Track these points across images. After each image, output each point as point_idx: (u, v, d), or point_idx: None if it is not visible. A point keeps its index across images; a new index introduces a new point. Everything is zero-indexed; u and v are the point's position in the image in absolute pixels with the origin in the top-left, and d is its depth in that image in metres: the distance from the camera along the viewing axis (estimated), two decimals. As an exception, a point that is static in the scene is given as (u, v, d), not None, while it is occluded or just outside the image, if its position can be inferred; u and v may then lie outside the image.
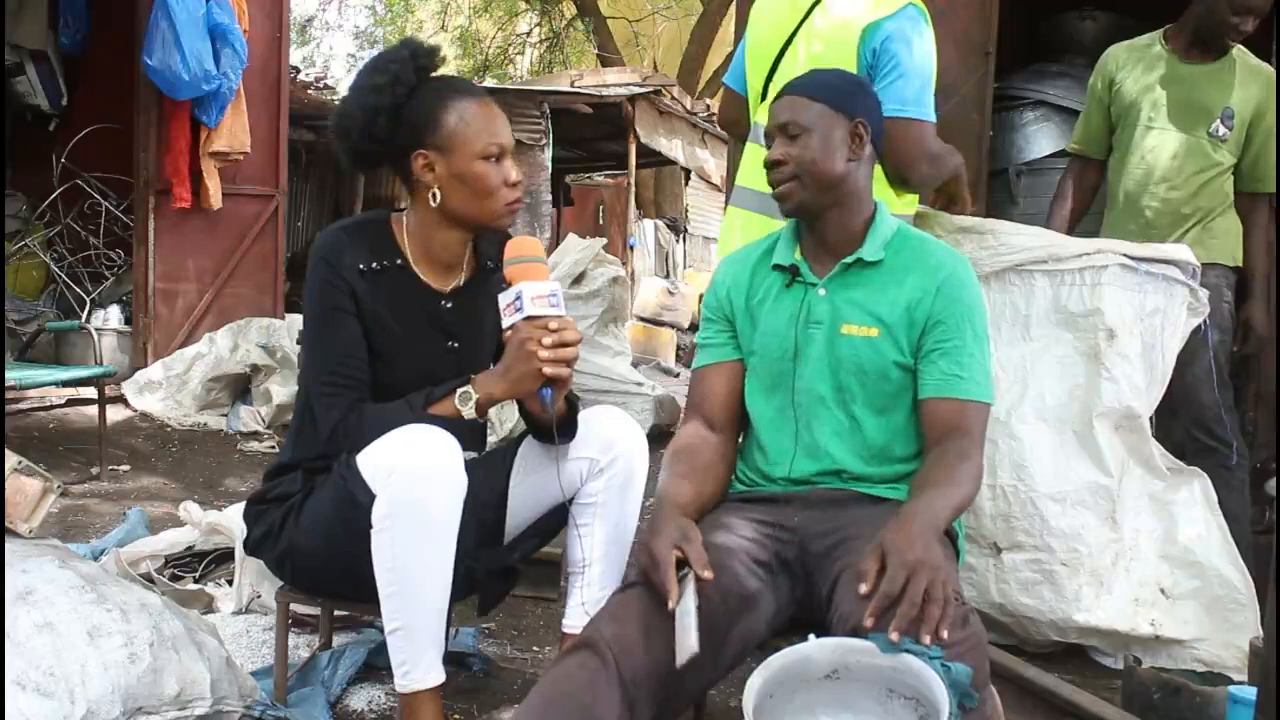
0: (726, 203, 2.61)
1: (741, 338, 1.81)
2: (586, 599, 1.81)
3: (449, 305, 1.84)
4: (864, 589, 1.36)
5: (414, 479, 1.60)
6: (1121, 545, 2.30)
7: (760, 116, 2.42)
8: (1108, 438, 2.33)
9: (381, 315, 1.76)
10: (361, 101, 1.74)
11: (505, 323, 1.69)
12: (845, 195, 1.73)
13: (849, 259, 1.73)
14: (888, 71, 2.20)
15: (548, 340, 1.65)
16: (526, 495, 1.88)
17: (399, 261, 1.79)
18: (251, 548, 1.89)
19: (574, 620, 1.84)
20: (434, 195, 1.76)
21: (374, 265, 1.76)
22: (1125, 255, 2.34)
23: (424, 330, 1.81)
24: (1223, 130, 2.76)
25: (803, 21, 2.35)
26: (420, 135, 1.74)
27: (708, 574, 1.45)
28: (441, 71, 1.82)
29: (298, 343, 4.78)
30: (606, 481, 1.82)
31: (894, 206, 2.30)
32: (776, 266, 1.78)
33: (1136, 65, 2.89)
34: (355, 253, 1.75)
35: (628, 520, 1.85)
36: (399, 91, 1.73)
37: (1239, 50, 2.79)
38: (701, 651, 1.47)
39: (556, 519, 1.89)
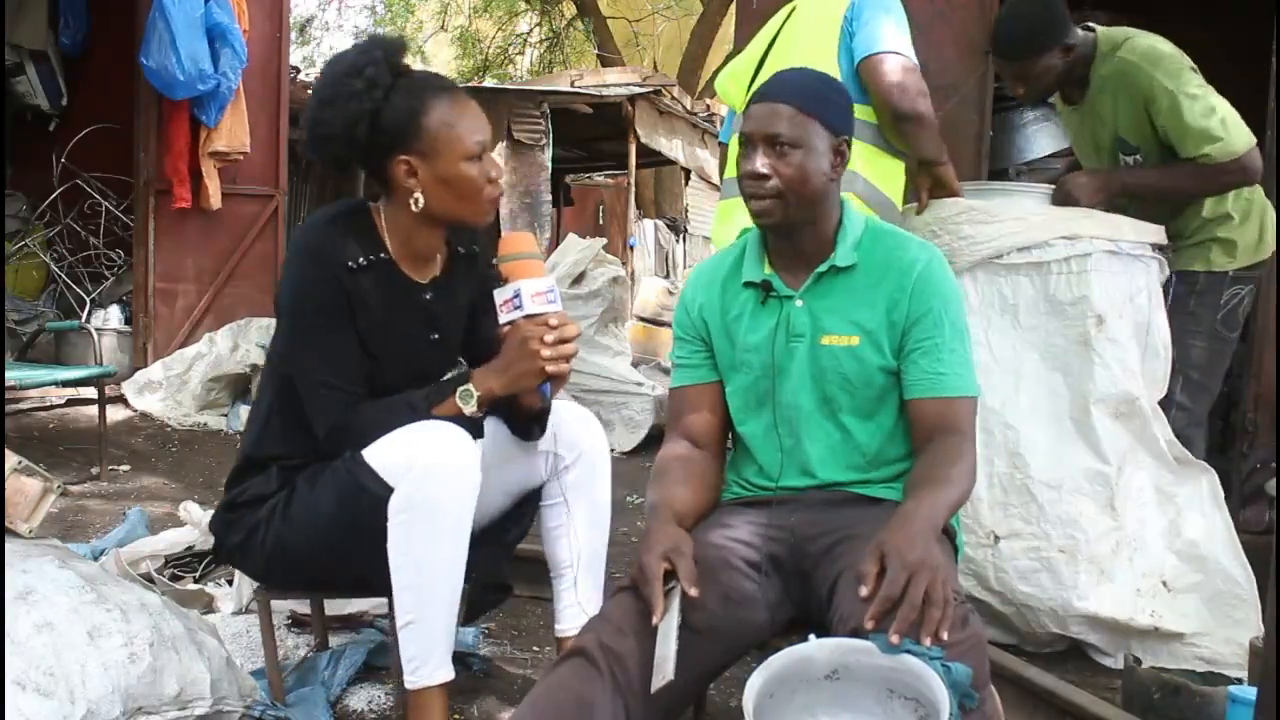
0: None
1: (719, 356, 1.76)
2: (575, 600, 1.87)
3: (429, 296, 1.83)
4: (864, 592, 1.35)
5: (434, 475, 1.61)
6: (1123, 534, 2.30)
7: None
8: (1107, 425, 2.33)
9: (371, 309, 1.75)
10: (340, 109, 1.69)
11: (503, 319, 1.70)
12: (822, 210, 1.68)
13: (822, 267, 1.68)
14: (866, 20, 2.33)
15: (550, 338, 1.66)
16: (494, 488, 1.88)
17: (383, 255, 1.78)
18: (227, 555, 1.88)
19: (565, 624, 1.89)
20: (416, 200, 1.73)
21: (362, 260, 1.74)
22: (1107, 239, 2.35)
23: (409, 322, 1.81)
24: (1132, 161, 2.66)
25: (784, 23, 2.47)
26: (401, 140, 1.70)
27: (694, 591, 1.44)
28: (420, 66, 1.81)
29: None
30: (574, 478, 1.86)
31: (883, 185, 2.35)
32: (748, 283, 1.73)
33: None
34: (344, 248, 1.73)
35: (601, 513, 1.90)
36: (376, 95, 1.69)
37: (1107, 71, 2.61)
38: (698, 651, 1.47)
39: (526, 514, 1.93)
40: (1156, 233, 2.44)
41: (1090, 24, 2.71)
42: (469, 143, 1.71)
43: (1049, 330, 2.38)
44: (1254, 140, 2.48)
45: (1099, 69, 2.63)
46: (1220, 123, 2.46)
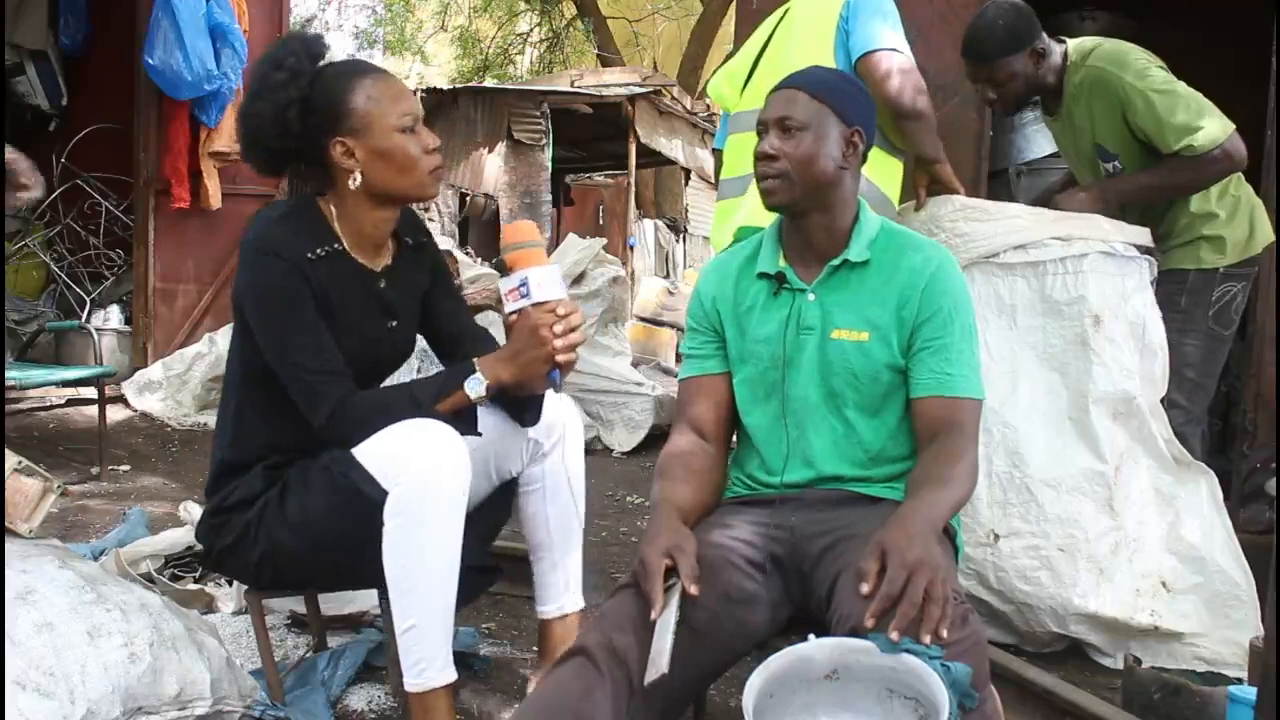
0: None
1: (730, 347, 1.78)
2: (556, 581, 1.95)
3: (383, 284, 1.86)
4: (865, 589, 1.35)
5: (427, 477, 1.62)
6: (1123, 535, 2.31)
7: (740, 106, 2.50)
8: (1106, 425, 2.34)
9: (331, 300, 1.76)
10: (270, 100, 1.73)
11: (509, 308, 1.74)
12: (832, 200, 1.70)
13: (835, 261, 1.70)
14: (861, 20, 2.35)
15: (559, 327, 1.70)
16: (477, 476, 1.87)
17: (337, 246, 1.79)
18: (216, 560, 1.87)
19: (547, 605, 1.96)
20: (354, 179, 1.76)
21: (319, 252, 1.76)
22: (1101, 240, 2.37)
23: (366, 312, 1.83)
24: (1112, 168, 2.67)
25: (778, 25, 2.48)
26: (333, 123, 1.74)
27: (694, 589, 1.44)
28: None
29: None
30: (552, 464, 1.91)
31: (881, 183, 2.36)
32: (762, 274, 1.75)
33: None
34: (298, 242, 1.74)
35: (577, 493, 1.95)
36: (301, 83, 1.74)
37: (1078, 79, 2.63)
38: (698, 651, 1.47)
39: (505, 501, 1.96)
40: (1142, 235, 2.46)
41: (1063, 36, 2.72)
42: (395, 116, 1.75)
43: (1046, 330, 2.39)
44: (1232, 126, 2.49)
45: (1071, 78, 2.65)
46: (1196, 114, 2.48)
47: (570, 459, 1.94)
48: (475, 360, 1.76)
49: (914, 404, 1.67)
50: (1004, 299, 2.42)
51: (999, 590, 2.36)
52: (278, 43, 1.82)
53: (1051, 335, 2.39)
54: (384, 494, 1.64)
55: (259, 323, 1.74)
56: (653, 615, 1.42)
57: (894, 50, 2.32)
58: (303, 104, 1.74)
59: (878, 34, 2.33)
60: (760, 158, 1.70)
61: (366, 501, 1.65)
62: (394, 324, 1.87)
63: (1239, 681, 1.93)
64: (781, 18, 2.56)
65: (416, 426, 1.67)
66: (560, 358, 1.71)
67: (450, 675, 1.69)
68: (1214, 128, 2.46)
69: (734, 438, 1.84)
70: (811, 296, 1.70)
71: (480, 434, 1.81)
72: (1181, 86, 2.52)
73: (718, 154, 2.73)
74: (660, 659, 1.36)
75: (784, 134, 1.68)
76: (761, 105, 1.75)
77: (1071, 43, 2.69)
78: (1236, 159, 2.49)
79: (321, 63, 1.79)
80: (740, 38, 3.53)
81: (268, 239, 1.73)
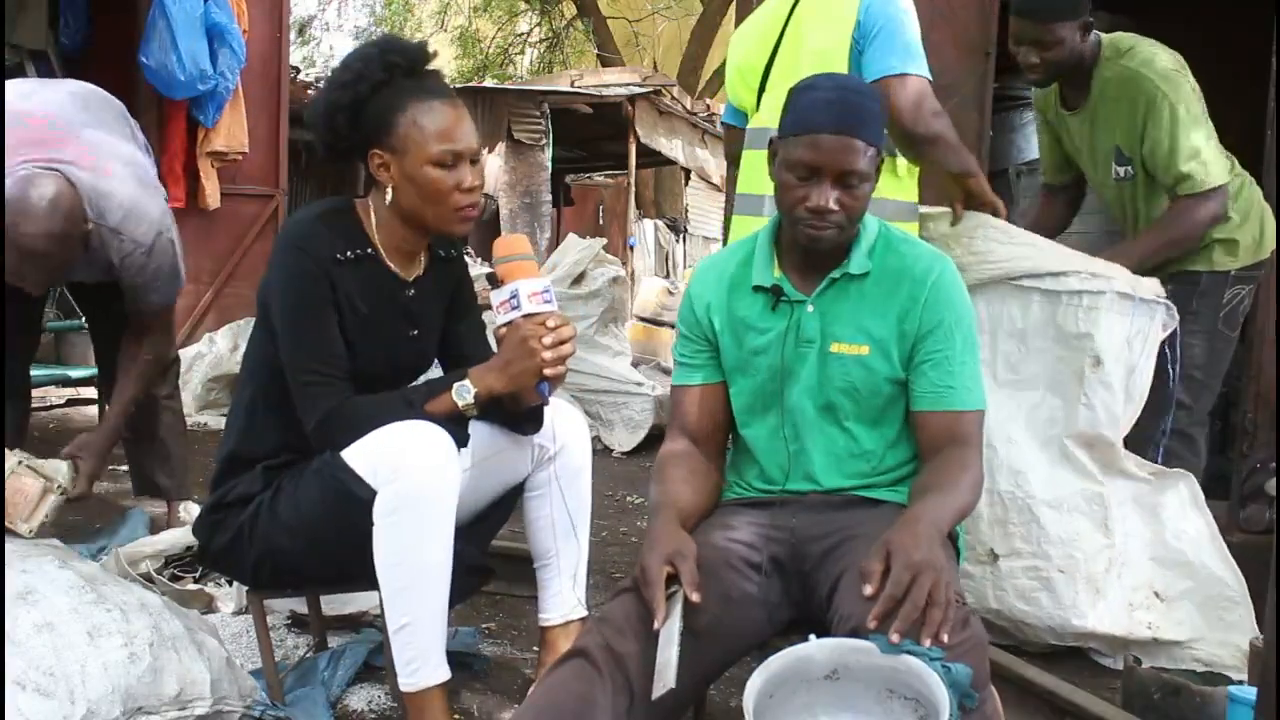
0: (728, 205, 2.63)
1: (724, 356, 1.75)
2: (559, 589, 1.94)
3: (412, 293, 1.86)
4: (869, 590, 1.35)
5: (416, 476, 1.62)
6: (1114, 551, 2.30)
7: (759, 120, 2.44)
8: (1083, 453, 2.32)
9: (354, 303, 1.77)
10: (326, 97, 1.76)
11: (500, 320, 1.74)
12: None
13: (836, 273, 1.67)
14: (877, 34, 2.26)
15: (548, 340, 1.69)
16: (481, 486, 1.90)
17: (369, 250, 1.80)
18: (213, 558, 1.88)
19: (550, 613, 1.95)
20: (387, 194, 1.77)
21: (348, 254, 1.77)
22: (1124, 280, 2.33)
23: (390, 318, 1.83)
24: (1124, 172, 2.66)
25: (788, 19, 2.41)
26: (376, 135, 1.75)
27: (696, 597, 1.43)
28: (433, 67, 1.82)
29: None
30: (558, 469, 1.91)
31: (894, 192, 2.32)
32: (757, 288, 1.71)
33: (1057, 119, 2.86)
34: (330, 241, 1.76)
35: (584, 501, 1.95)
36: (361, 88, 1.73)
37: (1110, 75, 2.61)
38: (698, 653, 1.47)
39: (507, 503, 1.96)
40: (1153, 287, 2.37)
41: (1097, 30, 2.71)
42: (434, 147, 1.72)
43: (1053, 354, 2.35)
44: (1228, 178, 2.55)
45: (1101, 72, 2.64)
46: (1207, 142, 2.52)
47: (577, 464, 1.94)
48: (467, 369, 1.77)
49: (916, 417, 1.66)
50: (1016, 320, 2.37)
51: (996, 609, 2.34)
52: (365, 43, 1.83)
53: (1057, 361, 2.35)
54: (373, 493, 1.64)
55: (277, 315, 1.75)
56: (655, 624, 1.42)
57: (909, 75, 2.23)
58: (355, 108, 1.73)
59: (895, 52, 2.24)
60: (820, 211, 1.59)
61: (356, 501, 1.65)
62: (415, 333, 1.88)
63: (1239, 682, 1.93)
64: (790, 12, 2.44)
65: (406, 427, 1.67)
66: (549, 371, 1.70)
67: (443, 674, 1.69)
68: (1218, 169, 2.51)
69: (729, 441, 1.83)
70: (811, 308, 1.68)
71: (468, 436, 1.80)
72: (1208, 120, 2.55)
73: (729, 129, 2.69)
74: (666, 672, 1.36)
75: (843, 186, 1.59)
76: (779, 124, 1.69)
77: (1106, 36, 2.67)
78: (1225, 207, 2.56)
79: (405, 72, 1.75)
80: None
81: (300, 234, 1.75)
